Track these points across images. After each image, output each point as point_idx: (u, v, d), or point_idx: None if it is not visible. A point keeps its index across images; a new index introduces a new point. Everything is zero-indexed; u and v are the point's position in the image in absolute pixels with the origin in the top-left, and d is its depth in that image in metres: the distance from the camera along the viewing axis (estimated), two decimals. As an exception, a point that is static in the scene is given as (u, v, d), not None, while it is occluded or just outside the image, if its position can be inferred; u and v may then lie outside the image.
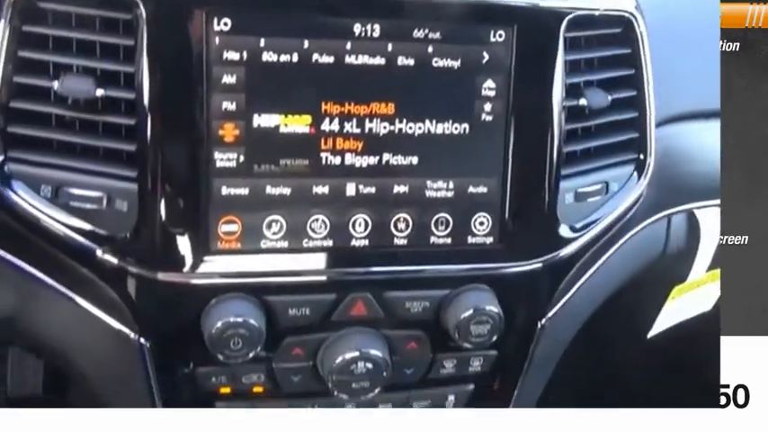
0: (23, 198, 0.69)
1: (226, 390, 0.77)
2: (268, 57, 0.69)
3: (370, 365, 0.75)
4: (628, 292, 0.93)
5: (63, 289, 0.73)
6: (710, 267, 0.97)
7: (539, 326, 0.83)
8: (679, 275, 0.97)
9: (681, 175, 0.90)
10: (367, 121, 0.71)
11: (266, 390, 0.78)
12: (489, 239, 0.76)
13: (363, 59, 0.70)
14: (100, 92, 0.68)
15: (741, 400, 0.81)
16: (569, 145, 0.78)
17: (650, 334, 1.03)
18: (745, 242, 0.82)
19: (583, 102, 0.78)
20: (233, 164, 0.70)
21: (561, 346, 0.90)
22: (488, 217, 0.76)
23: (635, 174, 0.83)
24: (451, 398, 0.83)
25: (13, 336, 0.85)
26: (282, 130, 0.70)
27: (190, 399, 0.78)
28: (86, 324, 0.74)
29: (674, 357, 1.14)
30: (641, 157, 0.83)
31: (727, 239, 0.82)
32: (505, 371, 0.84)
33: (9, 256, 0.72)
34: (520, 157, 0.75)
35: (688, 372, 1.43)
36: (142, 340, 0.74)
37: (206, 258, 0.71)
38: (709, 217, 0.93)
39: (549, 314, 0.83)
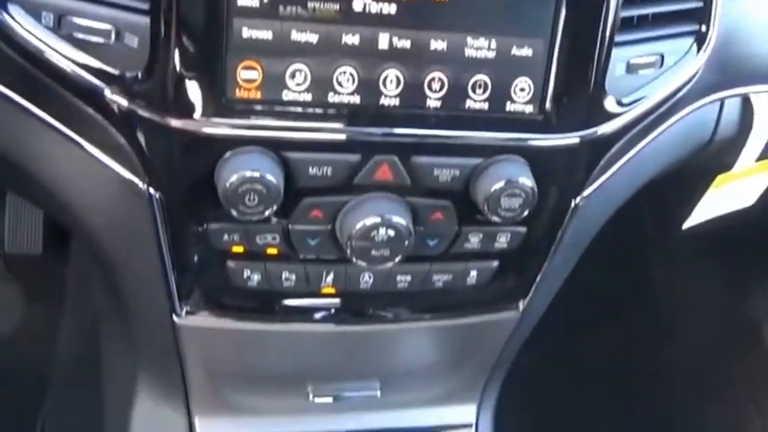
0: (22, 24, 0.63)
1: (238, 249, 0.73)
2: None
3: (391, 233, 0.70)
4: (668, 177, 0.87)
5: (68, 131, 0.69)
6: (760, 158, 0.91)
7: (572, 205, 0.78)
8: (725, 164, 0.91)
9: (741, 56, 0.82)
10: (406, -35, 0.64)
11: (281, 252, 0.74)
12: (529, 108, 0.70)
13: None
14: None
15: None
16: (625, 9, 0.71)
17: (686, 225, 0.98)
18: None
19: (644, -39, 0.71)
20: (256, 3, 0.63)
21: (592, 229, 0.85)
22: (530, 83, 0.69)
23: (694, 47, 0.76)
24: (473, 273, 0.79)
25: (14, 180, 0.81)
26: (312, -32, 0.63)
27: (201, 257, 0.74)
28: (93, 171, 0.70)
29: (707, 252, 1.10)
30: (703, 28, 0.76)
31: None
32: (532, 250, 0.80)
33: (9, 92, 0.67)
34: (571, 18, 0.68)
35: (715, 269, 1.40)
36: (152, 191, 0.70)
37: (222, 106, 0.65)
38: (765, 104, 0.87)
39: (585, 193, 0.78)
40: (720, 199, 0.95)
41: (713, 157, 0.90)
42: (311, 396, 0.88)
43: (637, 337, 1.65)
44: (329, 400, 0.89)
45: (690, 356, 1.60)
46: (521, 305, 0.86)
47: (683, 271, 1.56)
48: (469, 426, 0.97)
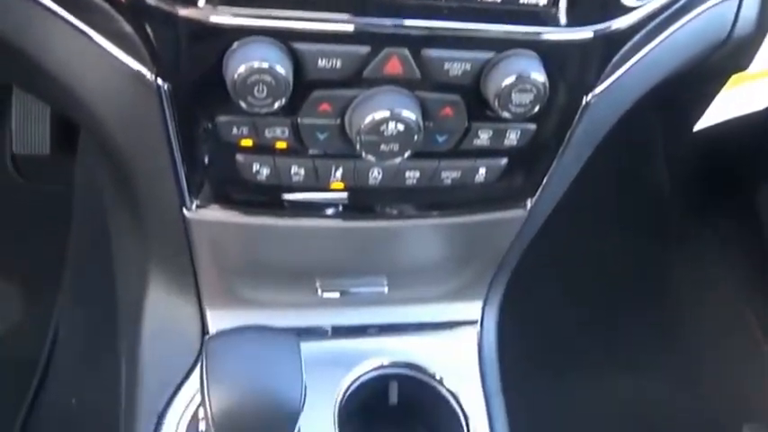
0: None
1: (247, 142, 0.73)
2: None
3: (401, 127, 0.70)
4: (681, 75, 0.86)
5: (74, 20, 0.68)
6: (777, 59, 0.89)
7: (583, 102, 0.77)
8: (740, 65, 0.90)
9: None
10: None
11: (290, 147, 0.74)
12: (543, 0, 0.69)
13: None
14: None
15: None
16: None
17: (696, 127, 0.97)
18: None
19: None
20: None
21: (603, 128, 0.84)
22: None
23: (714, -62, 0.74)
24: (482, 171, 0.79)
25: (20, 71, 0.80)
26: None
27: (210, 150, 0.74)
28: (100, 61, 0.70)
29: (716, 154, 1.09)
30: None
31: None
32: (542, 148, 0.80)
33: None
34: None
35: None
36: (160, 82, 0.69)
37: (231, -7, 0.64)
38: (786, 2, 0.84)
39: (596, 91, 0.77)
40: (733, 100, 0.94)
41: (728, 57, 0.89)
42: (319, 291, 0.90)
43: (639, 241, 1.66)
44: (337, 295, 0.91)
45: (690, 258, 1.62)
46: (528, 204, 0.86)
47: (690, 176, 1.56)
48: (475, 322, 0.99)
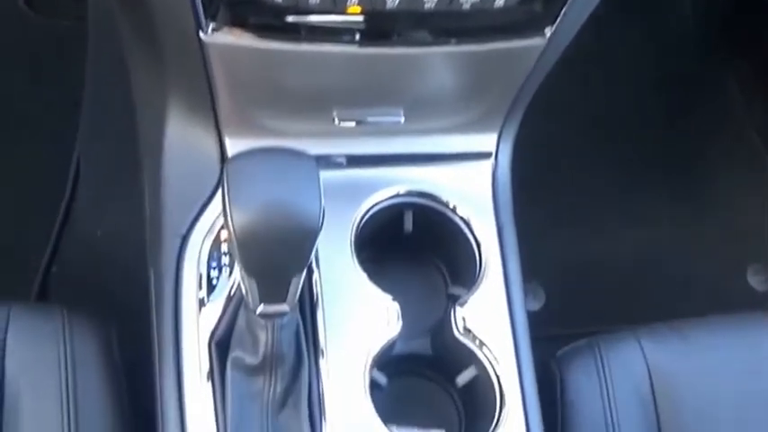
0: None
1: None
2: None
3: None
4: None
5: None
6: None
7: None
8: None
9: None
10: None
11: None
12: None
13: None
14: None
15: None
16: None
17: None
18: None
19: None
20: None
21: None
22: None
23: None
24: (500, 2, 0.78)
25: None
26: None
27: None
28: None
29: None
30: None
31: None
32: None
33: None
34: None
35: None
36: None
37: None
38: None
39: None
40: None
41: None
42: (336, 119, 0.91)
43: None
44: (353, 123, 0.91)
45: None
46: (547, 32, 0.85)
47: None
48: (489, 155, 1.00)
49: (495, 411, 0.89)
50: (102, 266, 1.26)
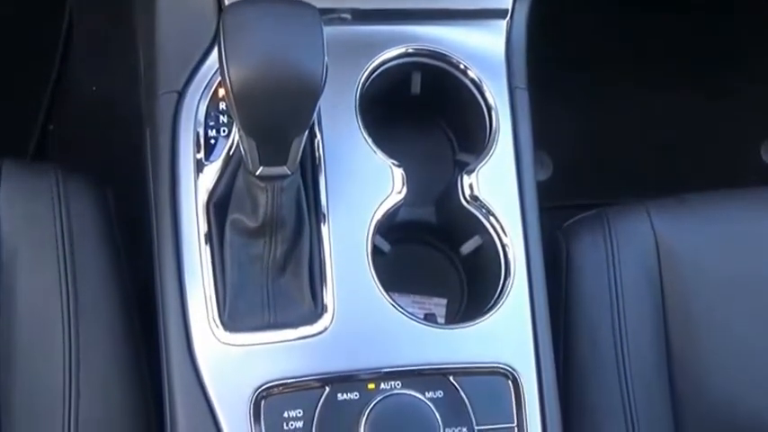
0: None
1: None
2: None
3: None
4: None
5: None
6: None
7: None
8: None
9: None
10: None
11: None
12: None
13: None
14: None
15: None
16: None
17: None
18: None
19: None
20: None
21: None
22: None
23: None
24: None
25: None
26: None
27: None
28: None
29: None
30: None
31: None
32: None
33: None
34: None
35: None
36: None
37: None
38: None
39: None
40: None
41: None
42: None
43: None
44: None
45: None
46: None
47: None
48: (505, 13, 0.94)
49: (499, 281, 0.87)
50: (100, 125, 1.22)
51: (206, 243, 0.82)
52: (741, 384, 0.98)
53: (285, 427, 0.77)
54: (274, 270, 0.82)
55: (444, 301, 0.95)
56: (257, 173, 0.75)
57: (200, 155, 0.84)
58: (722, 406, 0.97)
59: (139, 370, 0.89)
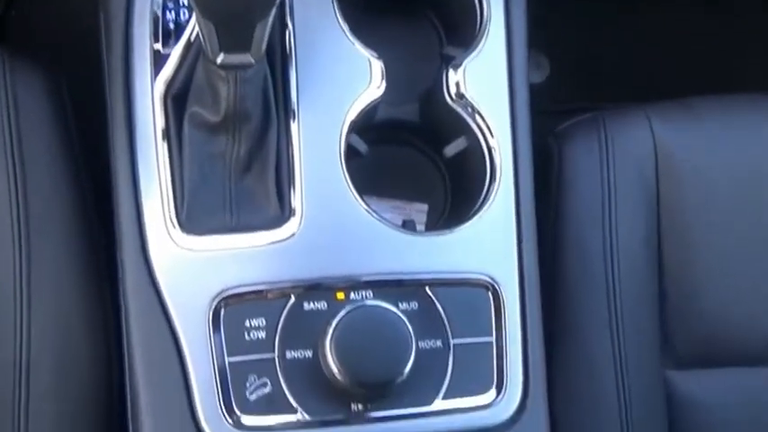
0: None
1: None
2: None
3: None
4: None
5: None
6: None
7: None
8: None
9: None
10: None
11: None
12: None
13: None
14: None
15: None
16: None
17: None
18: None
19: None
20: None
21: None
22: None
23: None
24: None
25: None
26: None
27: None
28: None
29: None
30: None
31: None
32: None
33: None
34: None
35: None
36: None
37: None
38: None
39: None
40: None
41: None
42: None
43: None
44: None
45: None
46: None
47: None
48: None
49: (483, 187, 0.81)
50: (59, 12, 1.14)
51: (163, 139, 0.76)
52: (734, 294, 0.94)
53: (247, 338, 0.73)
54: (238, 169, 0.76)
55: (425, 207, 0.90)
56: (218, 61, 0.68)
57: (158, 40, 0.77)
58: (713, 317, 0.93)
59: (97, 274, 0.84)
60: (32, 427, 0.79)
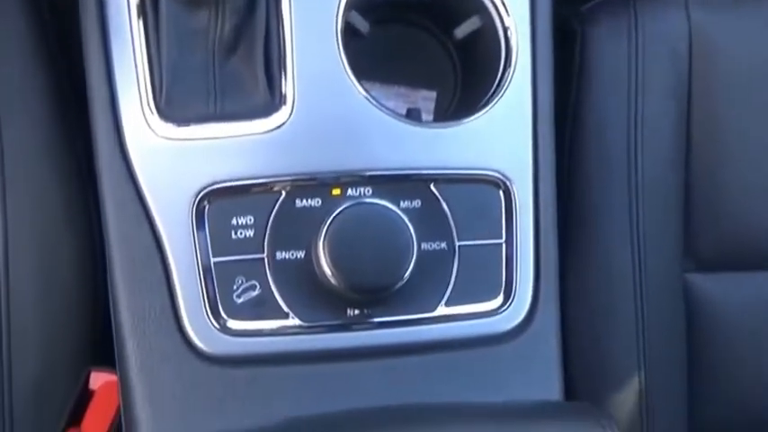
0: None
1: None
2: None
3: None
4: None
5: None
6: None
7: None
8: None
9: None
10: None
11: None
12: None
13: None
14: None
15: None
16: None
17: None
18: None
19: None
20: None
21: None
22: None
23: None
24: None
25: None
26: None
27: None
28: None
29: None
30: None
31: None
32: None
33: None
34: None
35: None
36: None
37: None
38: None
39: None
40: None
41: None
42: None
43: None
44: None
45: None
46: None
47: None
48: None
49: (497, 72, 0.74)
50: None
51: (138, 16, 0.68)
52: (764, 193, 0.88)
53: (233, 236, 0.67)
54: (222, 50, 0.68)
55: (433, 95, 0.82)
56: None
57: None
58: (740, 217, 0.88)
59: (77, 167, 0.78)
60: (15, 338, 0.76)
